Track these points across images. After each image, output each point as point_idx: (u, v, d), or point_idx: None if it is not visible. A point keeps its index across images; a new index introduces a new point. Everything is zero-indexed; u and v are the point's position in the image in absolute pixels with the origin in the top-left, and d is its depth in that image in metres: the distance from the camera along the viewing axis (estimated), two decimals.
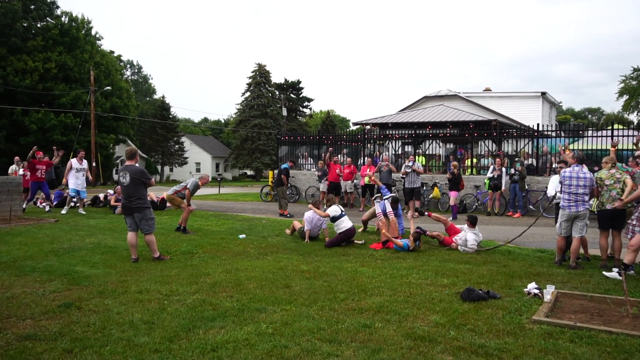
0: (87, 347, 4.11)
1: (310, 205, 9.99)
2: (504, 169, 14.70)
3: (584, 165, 7.64)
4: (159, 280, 6.34)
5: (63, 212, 13.79)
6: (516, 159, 15.86)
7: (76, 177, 13.78)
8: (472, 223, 8.99)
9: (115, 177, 41.14)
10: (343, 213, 9.63)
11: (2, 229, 10.67)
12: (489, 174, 14.89)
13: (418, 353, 4.02)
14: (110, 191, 16.43)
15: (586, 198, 7.34)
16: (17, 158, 16.64)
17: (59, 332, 4.45)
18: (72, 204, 14.30)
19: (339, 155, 18.60)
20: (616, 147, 9.94)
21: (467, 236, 8.85)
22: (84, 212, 13.83)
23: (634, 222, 7.03)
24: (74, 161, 13.95)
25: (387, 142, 20.72)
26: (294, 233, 10.33)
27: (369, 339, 4.33)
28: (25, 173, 16.29)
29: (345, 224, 9.42)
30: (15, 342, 4.22)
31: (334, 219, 9.52)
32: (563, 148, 15.46)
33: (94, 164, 25.93)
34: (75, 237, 9.79)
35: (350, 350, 4.05)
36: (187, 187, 10.86)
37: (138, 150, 8.03)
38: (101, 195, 16.34)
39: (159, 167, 54.04)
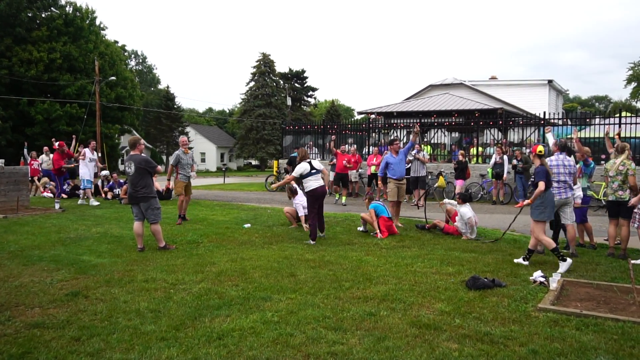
0: (94, 335, 4.15)
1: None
2: (505, 157, 14.69)
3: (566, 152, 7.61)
4: (165, 270, 6.37)
5: (81, 202, 13.90)
6: (516, 149, 15.73)
7: (88, 167, 13.88)
8: (463, 200, 9.21)
9: (122, 167, 41.30)
10: (314, 171, 8.33)
11: (9, 219, 10.76)
12: (491, 163, 14.92)
13: (423, 341, 4.02)
14: (104, 172, 16.54)
15: (572, 185, 7.37)
16: (45, 148, 16.90)
17: (66, 320, 4.50)
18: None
19: (346, 145, 18.49)
20: (607, 135, 9.77)
21: (461, 211, 8.93)
22: (86, 203, 13.75)
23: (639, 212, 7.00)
24: (87, 151, 14.04)
25: (392, 131, 20.63)
26: (299, 223, 10.14)
27: (374, 327, 4.34)
28: (32, 162, 16.44)
29: (313, 183, 8.29)
30: (24, 330, 4.26)
31: (302, 176, 8.37)
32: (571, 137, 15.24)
33: (99, 155, 26.04)
34: (82, 227, 9.85)
35: (355, 338, 4.07)
36: (172, 163, 10.82)
37: (141, 139, 8.02)
38: (99, 183, 16.41)
39: (164, 157, 54.14)
